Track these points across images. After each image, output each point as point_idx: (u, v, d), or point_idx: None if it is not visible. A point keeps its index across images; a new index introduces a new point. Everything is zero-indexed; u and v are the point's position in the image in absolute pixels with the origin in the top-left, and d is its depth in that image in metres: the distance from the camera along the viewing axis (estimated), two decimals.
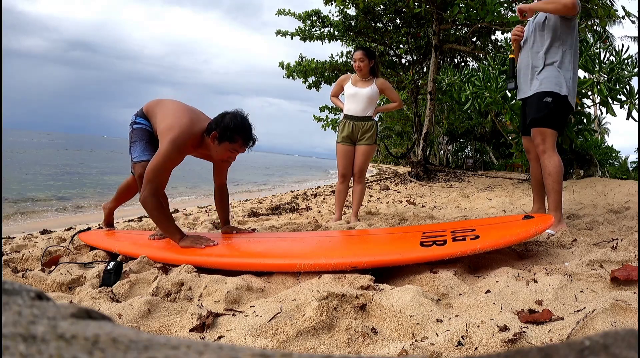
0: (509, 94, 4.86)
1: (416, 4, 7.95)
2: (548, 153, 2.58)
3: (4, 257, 2.38)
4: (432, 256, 1.75)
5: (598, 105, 4.53)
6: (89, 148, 46.75)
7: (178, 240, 2.22)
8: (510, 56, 2.90)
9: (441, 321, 1.28)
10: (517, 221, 2.08)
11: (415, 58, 10.56)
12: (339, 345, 1.19)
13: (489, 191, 5.94)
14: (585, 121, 5.08)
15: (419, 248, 1.84)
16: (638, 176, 6.30)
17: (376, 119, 3.66)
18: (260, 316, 1.31)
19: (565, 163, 4.37)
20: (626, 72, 4.08)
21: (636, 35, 22.99)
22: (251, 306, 1.42)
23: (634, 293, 1.32)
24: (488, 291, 1.50)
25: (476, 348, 1.10)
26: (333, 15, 9.45)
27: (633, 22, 7.80)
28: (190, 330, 1.28)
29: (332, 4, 8.90)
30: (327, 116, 11.99)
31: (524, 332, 1.13)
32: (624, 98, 4.16)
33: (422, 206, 4.73)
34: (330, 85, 10.03)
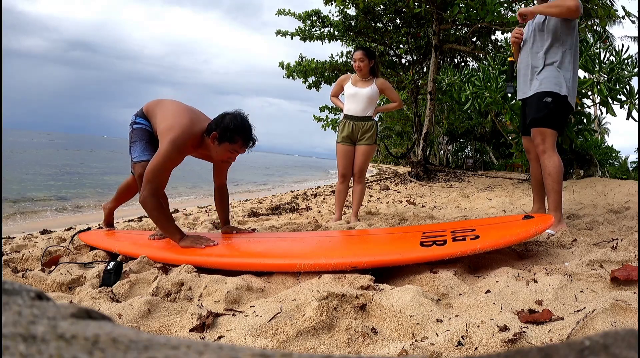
0: (509, 94, 4.86)
1: (416, 4, 7.95)
2: (548, 153, 2.58)
3: (4, 257, 2.38)
4: (432, 256, 1.75)
5: (598, 105, 4.53)
6: (88, 148, 46.74)
7: (178, 240, 2.22)
8: (509, 59, 2.90)
9: (441, 321, 1.28)
10: (517, 221, 2.08)
11: (415, 58, 10.55)
12: (339, 345, 1.19)
13: (489, 191, 5.94)
14: (585, 121, 5.08)
15: (419, 248, 1.84)
16: (638, 176, 6.30)
17: (376, 119, 3.66)
18: (260, 316, 1.31)
19: (565, 163, 4.37)
20: (626, 72, 4.09)
21: (636, 35, 22.99)
22: (251, 306, 1.42)
23: (634, 293, 1.32)
24: (488, 291, 1.50)
25: (476, 348, 1.10)
26: (333, 15, 9.47)
27: (633, 22, 7.81)
28: (190, 330, 1.28)
29: (332, 4, 8.90)
30: (327, 116, 11.98)
31: (524, 332, 1.13)
32: (624, 98, 4.16)
33: (422, 206, 4.73)
34: (330, 85, 10.04)
